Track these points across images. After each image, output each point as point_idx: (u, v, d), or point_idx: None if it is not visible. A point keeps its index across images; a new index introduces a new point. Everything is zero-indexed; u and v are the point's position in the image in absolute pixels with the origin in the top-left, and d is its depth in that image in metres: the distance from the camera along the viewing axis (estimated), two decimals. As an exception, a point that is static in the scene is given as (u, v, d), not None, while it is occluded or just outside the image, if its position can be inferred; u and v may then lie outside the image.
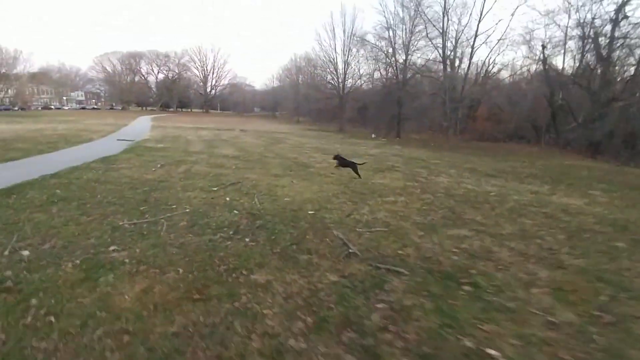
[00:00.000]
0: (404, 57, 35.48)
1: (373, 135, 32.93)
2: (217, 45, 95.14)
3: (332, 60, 46.06)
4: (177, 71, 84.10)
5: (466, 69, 32.22)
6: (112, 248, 3.31)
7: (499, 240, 4.50)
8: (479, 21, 29.47)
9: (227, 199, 5.61)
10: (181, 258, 3.17)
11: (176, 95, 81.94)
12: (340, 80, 45.89)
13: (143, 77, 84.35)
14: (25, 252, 3.03)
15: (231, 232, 3.96)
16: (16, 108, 54.70)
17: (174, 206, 4.96)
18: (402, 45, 35.10)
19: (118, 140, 15.96)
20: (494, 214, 6.24)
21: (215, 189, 6.21)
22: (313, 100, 54.91)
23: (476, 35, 29.94)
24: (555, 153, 25.32)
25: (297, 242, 3.80)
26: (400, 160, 14.40)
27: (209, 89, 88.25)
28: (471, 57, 31.15)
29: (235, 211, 4.92)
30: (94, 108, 76.40)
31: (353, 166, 9.61)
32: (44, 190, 5.47)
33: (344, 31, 43.84)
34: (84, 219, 4.14)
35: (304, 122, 62.07)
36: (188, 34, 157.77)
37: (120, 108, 78.21)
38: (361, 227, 4.61)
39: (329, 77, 48.35)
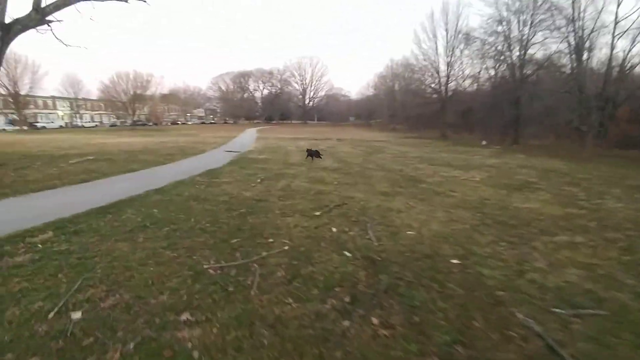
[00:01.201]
0: (518, 53, 30.14)
1: (483, 142, 28.57)
2: (316, 59, 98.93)
3: (433, 62, 42.58)
4: (279, 86, 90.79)
5: (606, 61, 25.02)
6: (184, 317, 2.29)
7: None
8: (618, 5, 22.51)
9: (334, 230, 4.34)
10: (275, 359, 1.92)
11: (278, 108, 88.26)
12: (442, 83, 42.02)
13: (251, 94, 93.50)
14: (76, 315, 2.23)
15: (347, 299, 2.60)
16: (150, 124, 66.30)
17: (271, 240, 3.90)
18: (518, 39, 29.87)
19: (226, 151, 16.75)
20: None
21: (317, 213, 5.04)
22: (410, 106, 51.77)
23: (616, 22, 22.95)
24: None
25: (460, 335, 2.20)
26: (534, 174, 11.25)
27: (307, 101, 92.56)
28: (612, 48, 24.00)
29: (347, 253, 3.58)
30: (211, 123, 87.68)
31: (316, 152, 12.45)
32: (142, 209, 5.11)
33: (447, 30, 39.99)
34: (167, 256, 3.34)
35: (400, 129, 59.16)
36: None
37: (232, 122, 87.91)
38: (558, 302, 2.73)
39: (429, 80, 44.87)
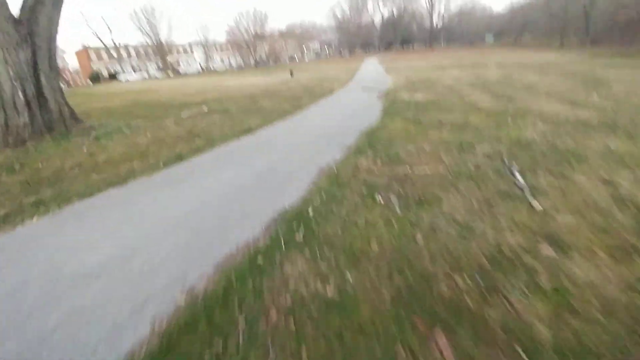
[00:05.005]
0: None
1: None
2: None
3: None
4: (402, 5, 77.20)
5: None
6: None
7: None
8: None
9: None
10: None
11: (399, 32, 76.43)
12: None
13: (369, 18, 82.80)
14: None
15: None
16: (270, 62, 66.10)
17: None
18: None
19: (363, 89, 12.36)
20: None
21: None
22: (602, 10, 35.57)
23: None
24: None
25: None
26: None
27: (435, 21, 77.17)
28: None
29: None
30: (326, 56, 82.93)
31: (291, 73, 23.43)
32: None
33: None
34: None
35: (571, 45, 42.70)
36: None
37: (347, 53, 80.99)
38: None
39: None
